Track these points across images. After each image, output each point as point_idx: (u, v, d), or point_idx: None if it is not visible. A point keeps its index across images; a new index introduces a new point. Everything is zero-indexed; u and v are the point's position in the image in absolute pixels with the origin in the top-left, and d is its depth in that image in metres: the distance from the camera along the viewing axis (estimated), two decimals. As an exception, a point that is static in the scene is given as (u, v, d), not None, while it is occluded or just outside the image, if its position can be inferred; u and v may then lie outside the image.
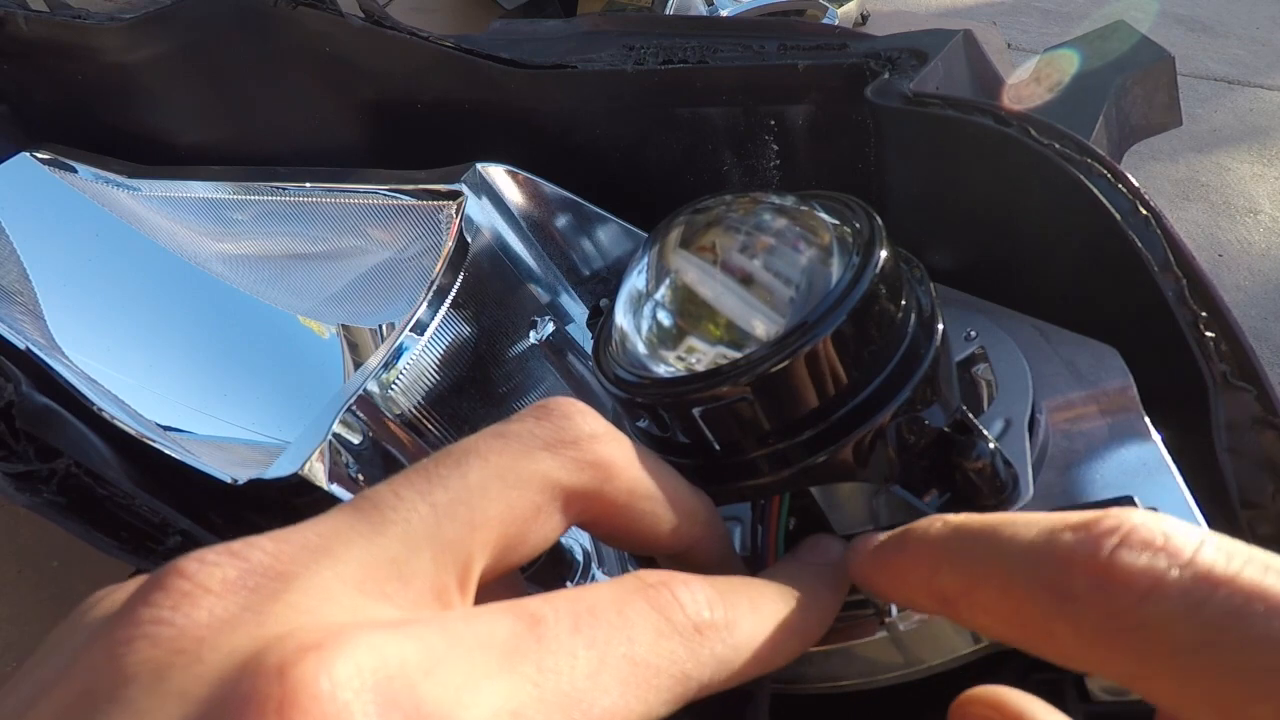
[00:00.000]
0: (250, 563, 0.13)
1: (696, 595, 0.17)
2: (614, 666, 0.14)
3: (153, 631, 0.12)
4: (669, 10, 1.30)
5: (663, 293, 0.24)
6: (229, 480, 0.34)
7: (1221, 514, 0.25)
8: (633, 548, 0.20)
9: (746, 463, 0.23)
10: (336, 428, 0.33)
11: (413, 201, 0.42)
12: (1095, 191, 0.28)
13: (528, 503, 0.17)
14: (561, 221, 0.42)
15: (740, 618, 0.17)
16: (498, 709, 0.13)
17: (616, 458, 0.18)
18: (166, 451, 0.36)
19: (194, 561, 0.13)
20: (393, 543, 0.15)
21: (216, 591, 0.13)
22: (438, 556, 0.15)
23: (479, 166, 0.40)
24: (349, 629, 0.12)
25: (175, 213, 0.51)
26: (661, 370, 0.24)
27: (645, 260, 0.26)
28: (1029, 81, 0.42)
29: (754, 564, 0.25)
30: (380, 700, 0.12)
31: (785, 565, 0.22)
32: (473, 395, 0.40)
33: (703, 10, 1.30)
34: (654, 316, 0.24)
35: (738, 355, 0.22)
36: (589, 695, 0.14)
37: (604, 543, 0.20)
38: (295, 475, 0.31)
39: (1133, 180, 0.29)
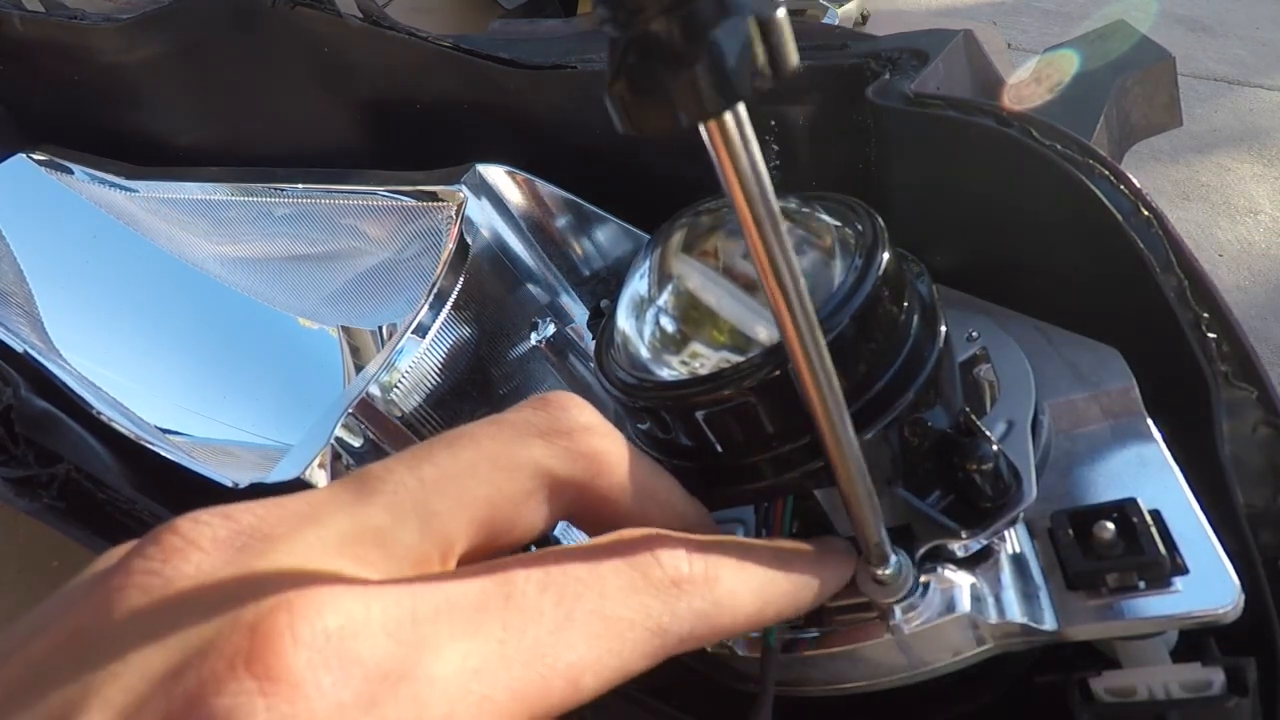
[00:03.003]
0: (240, 524, 0.14)
1: (675, 549, 0.17)
2: (582, 621, 0.15)
3: (143, 581, 0.13)
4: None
5: (665, 298, 0.24)
6: (230, 484, 0.33)
7: (1223, 514, 0.25)
8: None
9: (749, 466, 0.23)
10: (338, 431, 0.33)
11: (412, 203, 0.42)
12: (1097, 192, 0.28)
13: (516, 487, 0.17)
14: (561, 222, 0.42)
15: (724, 574, 0.17)
16: (459, 669, 0.13)
17: (609, 452, 0.18)
18: (167, 455, 0.36)
19: (189, 520, 0.14)
20: (377, 512, 0.15)
21: (205, 549, 0.14)
22: (421, 529, 0.15)
23: (479, 167, 0.40)
24: (321, 589, 0.13)
25: (173, 214, 0.51)
26: (664, 373, 0.24)
27: (647, 264, 0.26)
28: (1029, 82, 0.42)
29: None
30: (340, 659, 0.12)
31: (791, 539, 0.22)
32: (474, 398, 0.40)
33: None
34: (657, 321, 0.24)
35: (741, 360, 0.22)
36: (554, 650, 0.14)
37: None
38: (297, 479, 0.31)
39: (1134, 181, 0.29)
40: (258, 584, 0.13)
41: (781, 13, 0.14)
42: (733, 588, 0.18)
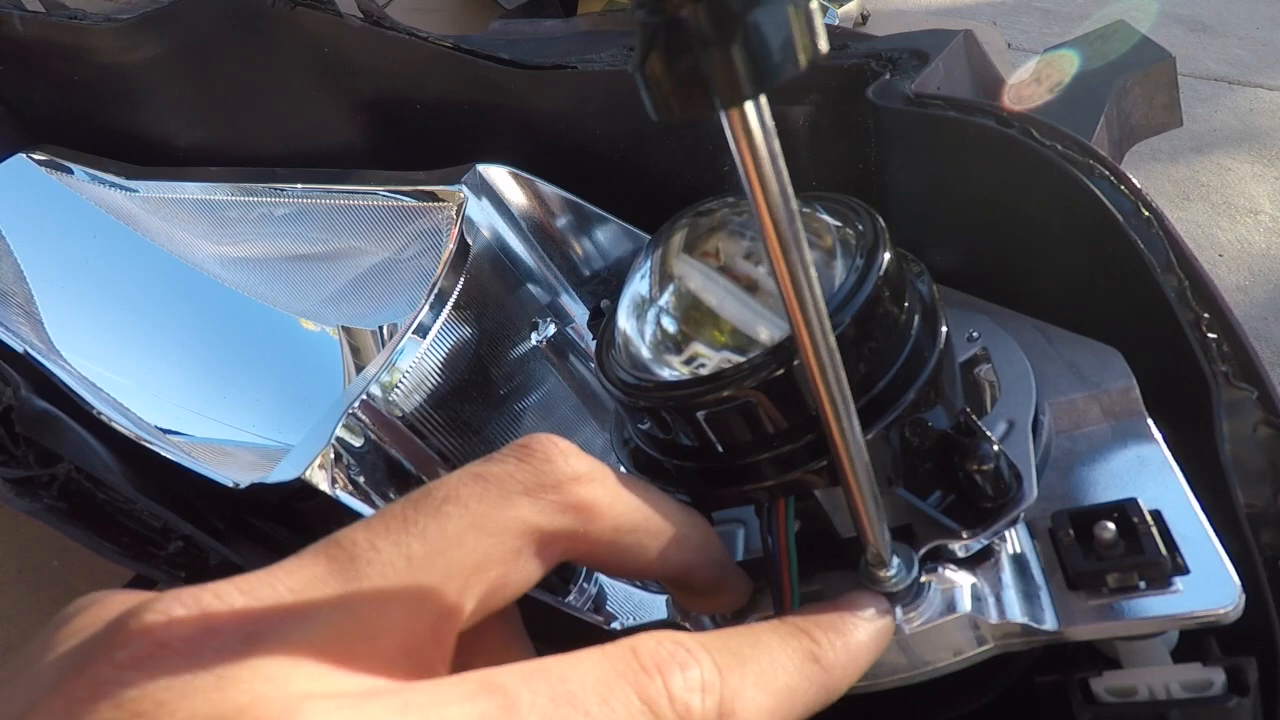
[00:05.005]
0: (215, 619, 0.13)
1: (691, 680, 0.16)
2: None
3: (112, 691, 0.12)
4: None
5: (666, 298, 0.24)
6: (231, 485, 0.33)
7: (1223, 514, 0.25)
8: (623, 577, 0.20)
9: (750, 466, 0.23)
10: (339, 432, 0.33)
11: (413, 203, 0.42)
12: (1097, 193, 0.28)
13: (506, 549, 0.16)
14: (562, 222, 0.42)
15: (740, 704, 0.16)
16: None
17: (599, 498, 0.18)
18: (167, 456, 0.36)
19: (159, 614, 0.13)
20: (364, 599, 0.14)
21: (179, 650, 0.13)
22: (411, 611, 0.15)
23: (479, 167, 0.40)
24: (303, 708, 0.12)
25: (173, 214, 0.51)
26: (665, 373, 0.24)
27: (648, 264, 0.26)
28: (1030, 82, 0.42)
29: (768, 567, 0.25)
30: None
31: (824, 614, 0.21)
32: (475, 398, 0.40)
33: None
34: (658, 321, 0.24)
35: (742, 360, 0.22)
36: None
37: (595, 571, 0.20)
38: (298, 480, 0.31)
39: (1135, 181, 0.29)
40: (238, 696, 0.12)
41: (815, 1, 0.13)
42: (754, 715, 0.16)
